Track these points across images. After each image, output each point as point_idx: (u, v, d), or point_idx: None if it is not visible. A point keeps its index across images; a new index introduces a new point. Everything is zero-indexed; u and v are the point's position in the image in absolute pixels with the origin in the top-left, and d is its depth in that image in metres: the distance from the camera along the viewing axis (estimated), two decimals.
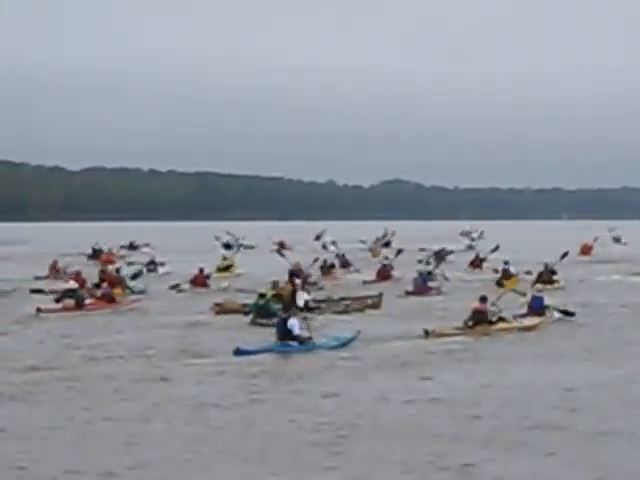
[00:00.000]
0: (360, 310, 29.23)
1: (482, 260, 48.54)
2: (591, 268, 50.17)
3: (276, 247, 55.50)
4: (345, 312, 28.79)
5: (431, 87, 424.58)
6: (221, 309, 28.62)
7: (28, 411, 15.15)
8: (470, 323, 23.78)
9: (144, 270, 39.68)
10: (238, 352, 20.41)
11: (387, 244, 71.82)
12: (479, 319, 23.82)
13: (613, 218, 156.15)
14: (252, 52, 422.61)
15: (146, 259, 49.59)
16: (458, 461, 12.00)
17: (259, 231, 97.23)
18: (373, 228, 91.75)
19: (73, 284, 31.41)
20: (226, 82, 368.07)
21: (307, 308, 26.42)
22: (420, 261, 48.78)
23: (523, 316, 25.51)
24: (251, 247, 72.40)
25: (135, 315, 29.01)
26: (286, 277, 32.67)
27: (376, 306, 30.03)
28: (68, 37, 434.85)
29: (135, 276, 35.53)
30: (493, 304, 24.50)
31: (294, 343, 21.09)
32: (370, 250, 64.12)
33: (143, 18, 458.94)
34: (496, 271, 39.74)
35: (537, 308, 26.01)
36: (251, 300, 27.48)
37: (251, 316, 26.45)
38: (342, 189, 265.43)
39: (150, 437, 13.36)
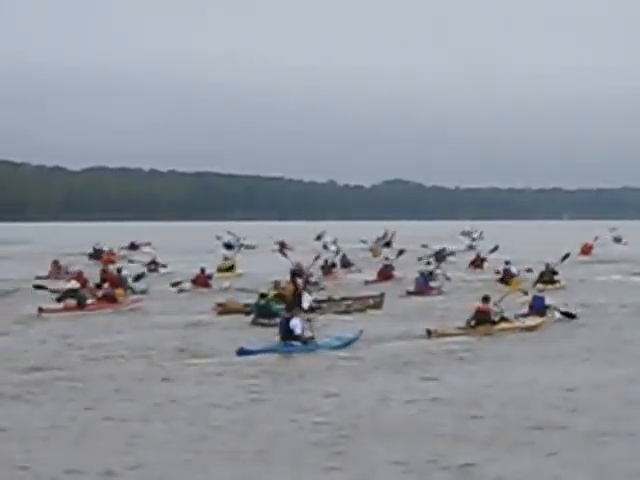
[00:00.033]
0: (362, 310, 29.27)
1: (483, 260, 48.56)
2: (592, 268, 50.18)
3: (277, 247, 55.52)
4: (347, 312, 28.81)
5: (431, 87, 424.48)
6: (223, 309, 28.65)
7: (30, 411, 15.17)
8: (472, 323, 23.83)
9: (146, 273, 39.57)
10: (242, 352, 20.46)
11: (388, 244, 71.83)
12: (482, 319, 23.86)
13: (613, 218, 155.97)
14: (252, 52, 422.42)
15: (147, 259, 49.66)
16: (459, 461, 12.01)
17: (260, 231, 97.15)
18: (374, 228, 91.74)
19: (75, 284, 31.44)
20: (226, 82, 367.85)
21: (310, 309, 26.44)
22: (420, 259, 48.86)
23: (524, 316, 25.56)
24: (252, 247, 72.40)
25: (137, 315, 29.03)
26: (287, 277, 32.68)
27: (378, 306, 30.06)
28: (68, 37, 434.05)
29: (138, 278, 35.53)
30: (496, 304, 24.56)
31: (297, 343, 21.14)
32: (371, 250, 64.12)
33: (143, 18, 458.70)
34: (498, 272, 39.78)
35: (538, 308, 26.07)
36: (253, 300, 27.51)
37: (252, 316, 26.51)
38: (343, 189, 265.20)
39: (151, 437, 13.38)
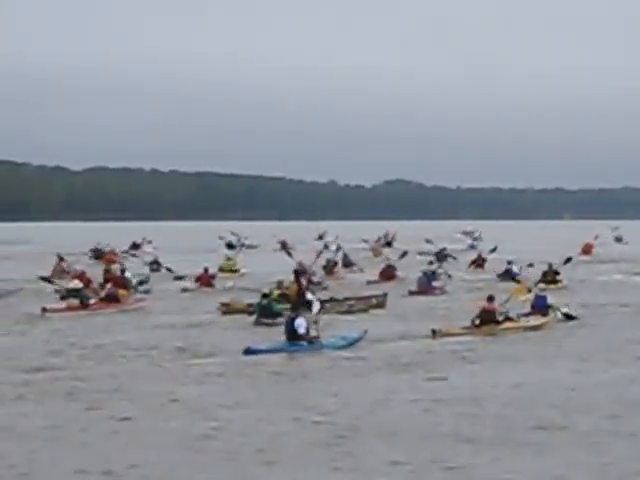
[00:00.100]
0: (365, 310, 29.31)
1: (484, 260, 48.64)
2: (593, 268, 50.19)
3: (279, 247, 55.52)
4: (350, 312, 28.83)
5: (431, 87, 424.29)
6: (228, 309, 28.68)
7: (31, 410, 15.16)
8: (477, 322, 23.89)
9: (150, 277, 39.43)
10: (248, 351, 20.52)
11: (388, 244, 71.94)
12: (487, 318, 23.93)
13: (614, 218, 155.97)
14: (252, 52, 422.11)
15: (149, 258, 49.71)
16: (461, 461, 12.02)
17: (261, 231, 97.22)
18: (375, 228, 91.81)
19: (77, 283, 31.51)
20: (226, 82, 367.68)
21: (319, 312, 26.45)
22: (421, 253, 48.96)
23: (527, 315, 25.65)
24: (253, 247, 72.44)
25: (140, 315, 29.06)
26: (289, 276, 32.70)
27: (381, 306, 30.10)
28: (68, 37, 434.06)
29: (141, 283, 35.50)
30: (502, 304, 24.67)
31: (303, 343, 21.21)
32: (371, 250, 64.18)
33: (143, 18, 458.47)
34: (500, 276, 39.87)
35: (540, 307, 26.17)
36: (256, 300, 27.55)
37: (255, 316, 26.57)
38: (344, 189, 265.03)
39: (152, 437, 13.37)
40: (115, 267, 39.15)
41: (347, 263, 48.50)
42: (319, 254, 38.62)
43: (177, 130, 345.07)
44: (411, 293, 34.60)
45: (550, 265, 38.04)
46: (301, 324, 21.24)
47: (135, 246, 68.44)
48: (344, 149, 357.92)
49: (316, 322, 21.82)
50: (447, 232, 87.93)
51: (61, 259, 45.92)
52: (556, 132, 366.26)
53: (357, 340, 22.05)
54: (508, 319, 24.44)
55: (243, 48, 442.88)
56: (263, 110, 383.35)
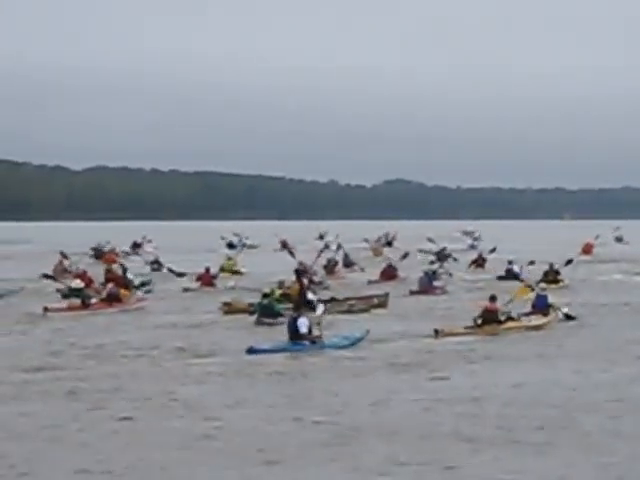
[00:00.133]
0: (366, 310, 29.32)
1: (484, 260, 48.66)
2: (593, 268, 50.22)
3: (280, 246, 55.50)
4: (351, 312, 28.84)
5: (431, 87, 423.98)
6: (229, 309, 28.70)
7: (32, 410, 15.16)
8: (479, 322, 23.92)
9: (152, 280, 39.32)
10: (251, 351, 20.56)
11: (389, 244, 71.94)
12: (489, 318, 23.95)
13: (615, 218, 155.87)
14: (252, 52, 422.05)
15: (150, 258, 49.73)
16: (462, 460, 12.04)
17: (261, 230, 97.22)
18: (375, 228, 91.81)
19: (79, 283, 31.52)
20: (226, 82, 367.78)
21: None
22: (421, 250, 49.02)
23: (528, 314, 25.68)
24: (254, 247, 72.43)
25: (141, 315, 29.06)
26: (290, 276, 32.74)
27: (382, 305, 30.12)
28: (68, 37, 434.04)
29: (143, 285, 35.46)
30: (505, 304, 24.70)
31: (306, 342, 21.24)
32: (371, 250, 64.16)
33: (143, 18, 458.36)
34: (500, 278, 39.90)
35: (541, 306, 26.22)
36: (258, 300, 27.56)
37: (256, 316, 26.59)
38: (344, 189, 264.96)
39: (153, 436, 13.37)
40: (116, 267, 39.10)
41: (348, 263, 48.48)
42: (320, 254, 38.60)
43: (177, 130, 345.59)
44: (412, 293, 34.60)
45: (551, 265, 38.08)
46: (303, 323, 21.28)
47: (136, 245, 68.42)
48: (344, 149, 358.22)
49: (319, 323, 21.84)
50: (447, 232, 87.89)
51: (65, 257, 45.90)
52: (556, 132, 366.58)
53: (359, 340, 22.06)
54: (510, 319, 24.48)
55: (243, 48, 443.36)
56: (263, 110, 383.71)
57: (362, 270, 45.82)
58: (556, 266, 37.95)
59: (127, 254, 59.05)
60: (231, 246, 68.59)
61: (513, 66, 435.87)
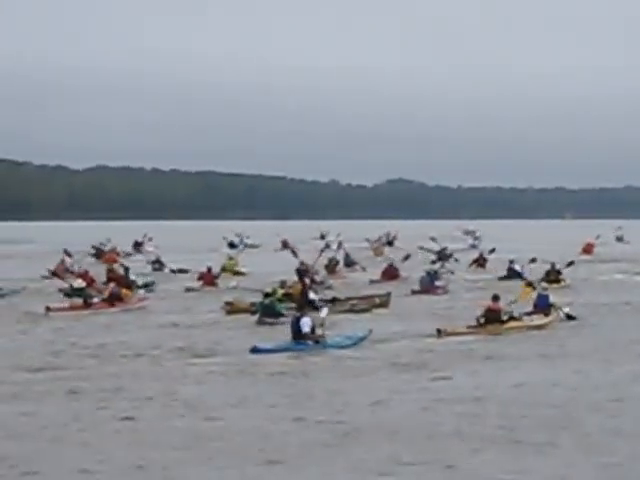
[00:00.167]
0: (368, 309, 29.32)
1: (485, 259, 48.69)
2: (594, 267, 50.17)
3: (281, 246, 55.51)
4: (353, 311, 28.86)
5: (431, 87, 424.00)
6: (231, 308, 28.71)
7: (33, 410, 15.16)
8: (482, 321, 23.93)
9: (154, 281, 39.29)
10: (255, 350, 20.59)
11: (390, 243, 72.00)
12: (491, 318, 23.97)
13: (616, 217, 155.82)
14: (252, 52, 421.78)
15: (152, 257, 49.75)
16: (463, 460, 12.05)
17: (262, 230, 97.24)
18: (376, 227, 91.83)
19: (81, 283, 31.54)
20: (226, 82, 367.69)
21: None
22: (422, 247, 49.07)
23: (529, 314, 25.71)
24: (255, 246, 72.48)
25: (143, 314, 29.05)
26: (291, 276, 32.78)
27: (384, 305, 30.14)
28: (68, 37, 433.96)
29: (146, 286, 35.47)
30: (509, 304, 24.74)
31: (309, 342, 21.26)
32: (372, 249, 64.20)
33: (143, 18, 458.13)
34: (502, 278, 39.92)
35: (542, 306, 26.26)
36: (259, 299, 27.57)
37: (257, 315, 26.61)
38: (345, 188, 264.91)
39: (154, 436, 13.38)
40: (117, 266, 39.12)
41: (349, 262, 48.50)
42: (321, 253, 38.61)
43: (177, 130, 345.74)
44: (414, 292, 34.63)
45: (553, 264, 38.12)
46: (306, 323, 21.30)
47: (137, 244, 68.45)
48: (345, 149, 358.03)
49: (322, 325, 21.85)
50: (448, 231, 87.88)
51: (68, 255, 45.88)
52: (556, 132, 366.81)
53: (362, 339, 22.08)
54: (512, 318, 24.50)
55: (243, 48, 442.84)
56: (263, 110, 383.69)
57: (363, 270, 45.85)
58: (557, 265, 37.98)
59: (129, 254, 59.12)
60: (232, 246, 68.60)
61: (513, 66, 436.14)
